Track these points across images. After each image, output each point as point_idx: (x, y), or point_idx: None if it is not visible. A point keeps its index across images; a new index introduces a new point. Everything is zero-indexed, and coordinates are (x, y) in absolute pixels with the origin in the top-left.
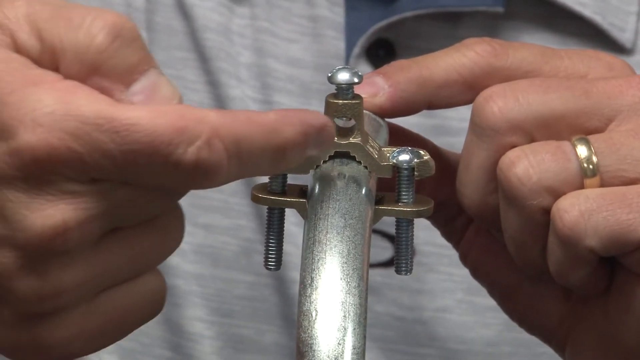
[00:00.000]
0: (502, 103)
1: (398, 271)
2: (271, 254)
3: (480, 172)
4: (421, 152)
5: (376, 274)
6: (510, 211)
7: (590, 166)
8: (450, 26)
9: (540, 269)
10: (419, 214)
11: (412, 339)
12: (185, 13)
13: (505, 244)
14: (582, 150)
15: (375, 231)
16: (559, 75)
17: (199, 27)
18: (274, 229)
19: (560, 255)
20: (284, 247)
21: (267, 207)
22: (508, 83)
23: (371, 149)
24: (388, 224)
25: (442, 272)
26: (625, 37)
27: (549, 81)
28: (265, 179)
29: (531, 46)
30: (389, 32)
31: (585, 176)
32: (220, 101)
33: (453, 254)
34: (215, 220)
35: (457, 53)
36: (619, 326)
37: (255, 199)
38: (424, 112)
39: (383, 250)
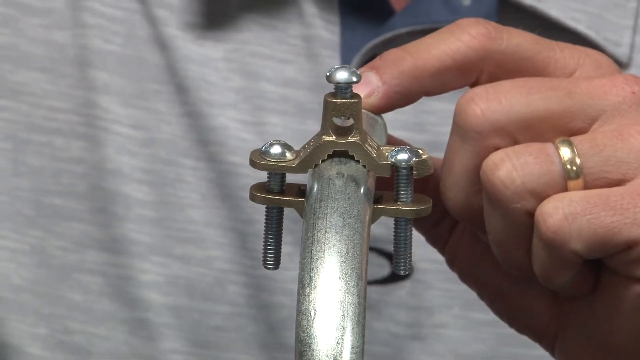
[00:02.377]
0: (484, 105)
1: (397, 271)
2: (269, 254)
3: (463, 175)
4: (420, 151)
5: (373, 292)
6: (494, 214)
7: (574, 168)
8: None
9: (525, 271)
10: (418, 213)
11: (410, 355)
12: (163, 45)
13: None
14: (565, 152)
15: (372, 249)
16: (550, 66)
17: (179, 59)
18: (273, 228)
19: (545, 258)
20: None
21: (265, 206)
22: (491, 84)
23: (370, 148)
24: (385, 241)
25: (439, 288)
26: (621, 51)
27: (532, 82)
28: (264, 178)
29: (526, 34)
30: (384, 49)
31: (568, 178)
32: (199, 132)
33: (448, 269)
34: (190, 252)
35: (452, 37)
36: (607, 326)
37: (253, 198)
38: (416, 127)
39: (380, 267)
